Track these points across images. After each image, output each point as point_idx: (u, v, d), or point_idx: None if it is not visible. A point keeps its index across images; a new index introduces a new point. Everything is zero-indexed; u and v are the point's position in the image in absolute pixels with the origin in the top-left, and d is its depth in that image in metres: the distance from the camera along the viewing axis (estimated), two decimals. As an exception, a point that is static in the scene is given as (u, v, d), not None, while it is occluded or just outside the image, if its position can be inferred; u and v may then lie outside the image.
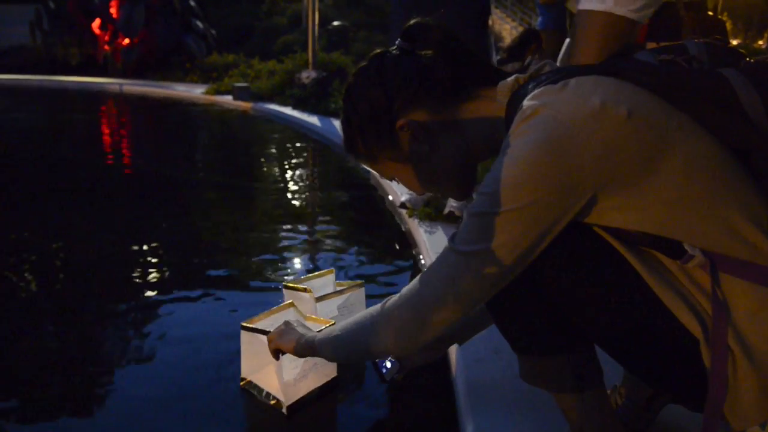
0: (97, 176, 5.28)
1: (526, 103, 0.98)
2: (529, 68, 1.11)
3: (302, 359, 1.88)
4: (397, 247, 3.43)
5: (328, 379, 2.05)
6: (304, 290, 2.20)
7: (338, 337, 1.30)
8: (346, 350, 1.30)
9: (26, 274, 3.06)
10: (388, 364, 1.77)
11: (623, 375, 1.50)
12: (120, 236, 3.59)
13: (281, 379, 1.88)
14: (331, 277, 2.37)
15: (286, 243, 3.55)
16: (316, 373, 2.01)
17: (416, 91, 1.15)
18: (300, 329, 1.56)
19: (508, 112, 1.09)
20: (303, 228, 3.87)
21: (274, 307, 2.05)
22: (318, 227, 3.95)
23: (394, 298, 1.15)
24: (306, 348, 1.47)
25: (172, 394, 2.03)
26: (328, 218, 4.18)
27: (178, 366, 2.22)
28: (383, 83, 1.17)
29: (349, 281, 2.33)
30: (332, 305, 2.24)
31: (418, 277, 1.11)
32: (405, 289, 1.13)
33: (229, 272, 3.12)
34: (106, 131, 8.11)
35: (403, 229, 3.64)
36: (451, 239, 1.04)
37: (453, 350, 2.05)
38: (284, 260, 3.24)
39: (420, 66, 1.16)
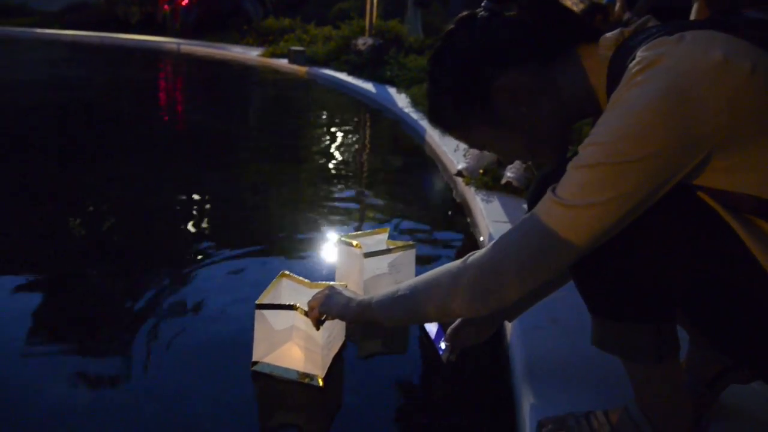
0: (154, 130, 5.33)
1: (641, 53, 0.93)
2: (630, 23, 1.05)
3: (328, 330, 1.76)
4: (450, 214, 3.36)
5: (341, 344, 1.95)
6: (354, 245, 2.15)
7: (405, 297, 1.23)
8: (412, 311, 1.22)
9: (85, 219, 3.08)
10: (443, 345, 1.66)
11: (687, 351, 1.41)
12: (175, 187, 3.61)
13: (316, 351, 1.75)
14: (384, 236, 2.29)
15: (336, 203, 3.45)
16: (336, 340, 1.90)
17: (511, 51, 1.11)
18: (347, 293, 1.48)
19: (612, 66, 1.04)
20: (353, 190, 3.75)
21: (273, 281, 1.90)
22: (368, 191, 3.81)
23: (480, 253, 1.08)
24: (359, 311, 1.39)
25: (209, 348, 1.94)
26: (379, 183, 4.05)
27: (218, 320, 2.15)
28: (476, 45, 1.13)
29: (401, 241, 2.28)
30: (382, 263, 2.16)
31: (511, 232, 1.05)
32: (496, 245, 1.07)
33: (278, 227, 3.09)
34: (163, 88, 8.22)
35: (457, 197, 3.54)
36: (553, 191, 0.99)
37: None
38: (333, 220, 3.14)
39: (512, 26, 1.12)
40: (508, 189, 3.13)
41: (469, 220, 3.15)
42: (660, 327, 1.10)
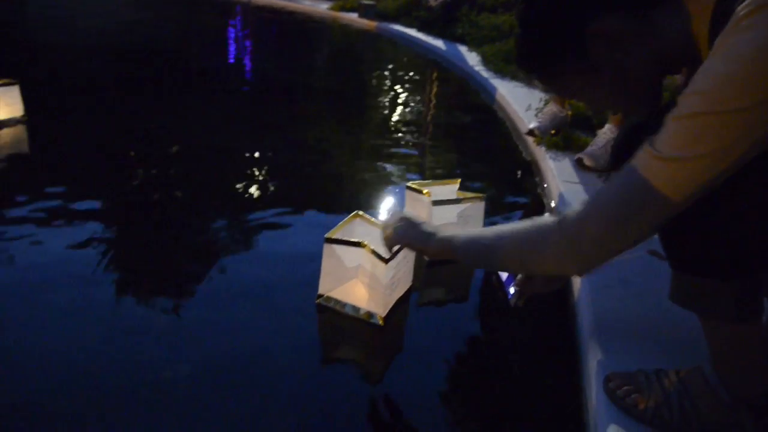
0: (222, 78, 5.39)
1: None
2: None
3: (393, 269, 1.77)
4: (518, 173, 3.28)
5: (408, 287, 1.96)
6: (423, 192, 2.15)
7: (489, 246, 1.21)
8: (494, 260, 1.21)
9: (156, 159, 3.18)
10: (512, 290, 1.65)
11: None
12: (244, 133, 3.67)
13: (379, 290, 1.77)
14: (455, 187, 2.27)
15: (402, 156, 3.45)
16: (401, 284, 1.90)
17: None
18: (425, 226, 1.43)
19: (717, 11, 0.97)
20: (419, 144, 3.71)
21: (345, 219, 1.93)
22: (434, 146, 3.77)
23: (574, 212, 1.05)
24: (439, 247, 1.36)
25: (263, 291, 1.97)
26: (446, 138, 4.00)
27: (286, 259, 2.20)
28: None
29: (472, 193, 2.25)
30: (450, 212, 2.15)
31: (605, 190, 1.01)
32: (590, 204, 1.03)
33: (345, 175, 3.12)
34: (233, 38, 8.31)
35: (526, 157, 3.46)
36: (651, 144, 0.94)
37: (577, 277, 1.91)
38: (398, 172, 3.14)
39: None
40: (580, 163, 3.02)
41: (537, 179, 3.07)
42: (743, 287, 1.07)
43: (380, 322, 1.79)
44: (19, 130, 3.36)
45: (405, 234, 1.44)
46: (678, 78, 1.35)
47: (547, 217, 1.12)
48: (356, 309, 1.84)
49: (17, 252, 2.09)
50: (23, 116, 3.43)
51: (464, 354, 1.75)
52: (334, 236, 1.80)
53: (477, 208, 2.19)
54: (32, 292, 1.87)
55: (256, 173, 3.05)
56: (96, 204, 2.59)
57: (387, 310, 1.81)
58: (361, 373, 1.66)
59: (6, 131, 3.31)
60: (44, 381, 1.50)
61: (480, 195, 2.18)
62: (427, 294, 2.05)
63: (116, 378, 1.53)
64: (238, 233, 2.43)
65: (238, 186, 2.87)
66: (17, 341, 1.64)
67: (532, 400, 1.58)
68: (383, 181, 3.00)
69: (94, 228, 2.31)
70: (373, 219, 1.93)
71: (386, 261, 1.69)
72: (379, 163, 3.28)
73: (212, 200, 2.70)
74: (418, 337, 1.81)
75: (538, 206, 2.77)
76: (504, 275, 1.59)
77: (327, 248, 1.81)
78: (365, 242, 1.76)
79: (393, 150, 3.53)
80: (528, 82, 4.72)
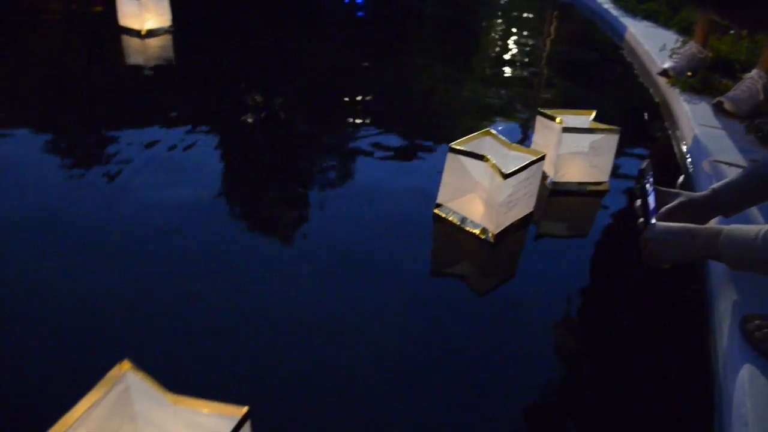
0: (331, 8, 5.45)
1: None
2: None
3: (512, 188, 1.76)
4: (647, 116, 3.17)
5: (528, 212, 1.96)
6: (554, 119, 2.13)
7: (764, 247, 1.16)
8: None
9: (285, 78, 3.37)
10: (653, 221, 1.63)
11: None
12: (350, 69, 3.64)
13: (494, 206, 1.79)
14: (589, 117, 2.21)
15: (525, 85, 3.43)
16: (521, 205, 1.90)
17: None
18: (675, 228, 1.36)
19: None
20: (542, 76, 3.64)
21: (474, 133, 1.94)
22: (558, 80, 3.67)
23: None
24: (703, 250, 1.31)
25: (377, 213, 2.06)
26: (571, 73, 3.85)
27: (408, 173, 2.31)
28: None
29: (606, 125, 2.16)
30: (581, 141, 2.10)
31: None
32: None
33: (468, 96, 3.15)
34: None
35: (657, 98, 3.31)
36: None
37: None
38: (522, 100, 3.16)
39: None
40: (719, 107, 2.85)
41: (667, 123, 2.95)
42: None
43: (491, 240, 1.83)
44: (167, 39, 3.62)
45: (668, 252, 1.36)
46: None
47: None
48: (470, 223, 1.89)
49: (155, 152, 2.32)
50: (170, 26, 3.67)
51: (579, 290, 1.74)
52: (459, 147, 1.84)
53: (610, 140, 2.12)
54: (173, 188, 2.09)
55: (381, 93, 3.14)
56: (232, 112, 2.80)
57: (500, 229, 1.84)
58: (469, 289, 1.71)
59: (155, 40, 3.58)
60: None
61: (614, 128, 2.11)
62: (546, 224, 2.06)
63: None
64: (366, 143, 2.55)
65: (358, 103, 2.99)
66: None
67: (655, 339, 1.57)
68: (509, 109, 3.01)
69: (229, 133, 2.52)
70: (502, 138, 1.94)
71: (505, 176, 1.71)
72: (503, 91, 3.27)
73: (339, 111, 2.85)
74: (532, 265, 1.82)
75: (668, 148, 2.69)
76: (651, 204, 1.58)
77: (450, 158, 1.85)
78: (488, 156, 1.79)
79: (515, 80, 3.50)
80: (662, 23, 4.43)
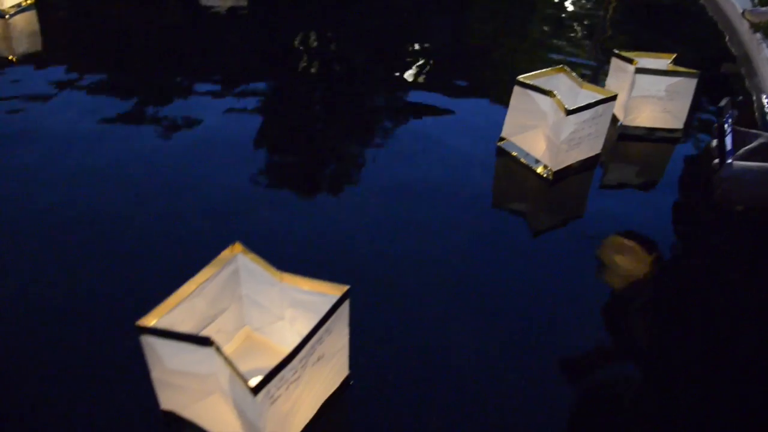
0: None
1: None
2: None
3: (575, 125, 1.72)
4: (721, 65, 3.06)
5: (594, 154, 1.92)
6: (630, 61, 2.07)
7: None
8: None
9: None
10: (730, 161, 1.52)
11: None
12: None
13: (555, 143, 1.76)
14: (668, 61, 2.14)
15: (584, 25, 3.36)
16: (586, 145, 1.86)
17: None
18: None
19: None
20: (606, 19, 3.53)
21: (547, 69, 1.91)
22: (628, 24, 3.56)
23: None
24: None
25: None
26: (639, 18, 3.68)
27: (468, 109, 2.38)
28: None
29: (685, 68, 2.06)
30: (657, 83, 2.03)
31: None
32: None
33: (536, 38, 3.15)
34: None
35: (734, 47, 3.19)
36: None
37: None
38: (585, 45, 3.10)
39: None
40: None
41: (743, 70, 2.83)
42: None
43: (550, 177, 1.81)
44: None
45: (744, 182, 1.31)
46: None
47: None
48: (531, 158, 1.89)
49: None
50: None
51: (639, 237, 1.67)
52: (526, 81, 1.82)
53: (687, 85, 2.03)
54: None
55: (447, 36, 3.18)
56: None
57: (560, 167, 1.81)
58: (527, 227, 1.71)
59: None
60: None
61: (693, 71, 2.02)
62: (613, 168, 2.02)
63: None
64: (433, 83, 2.58)
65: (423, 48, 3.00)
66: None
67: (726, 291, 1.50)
68: (579, 52, 2.97)
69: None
70: (575, 76, 1.91)
71: (568, 112, 1.68)
72: (571, 34, 3.24)
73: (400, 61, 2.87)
74: (594, 207, 1.79)
75: (744, 95, 2.61)
76: (729, 143, 1.56)
77: (516, 92, 1.83)
78: (554, 92, 1.76)
79: (583, 21, 3.43)
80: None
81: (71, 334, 1.22)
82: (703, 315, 1.42)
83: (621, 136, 2.14)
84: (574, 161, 1.88)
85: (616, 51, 2.15)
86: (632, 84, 2.04)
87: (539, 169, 1.87)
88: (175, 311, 0.94)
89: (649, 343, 1.35)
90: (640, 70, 2.01)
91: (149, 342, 0.91)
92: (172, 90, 2.46)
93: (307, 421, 1.00)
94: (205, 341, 0.88)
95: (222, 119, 2.18)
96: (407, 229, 1.61)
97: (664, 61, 2.15)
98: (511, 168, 1.91)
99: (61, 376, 1.12)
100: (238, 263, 1.04)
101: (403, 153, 2.02)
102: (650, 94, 2.07)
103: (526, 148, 1.92)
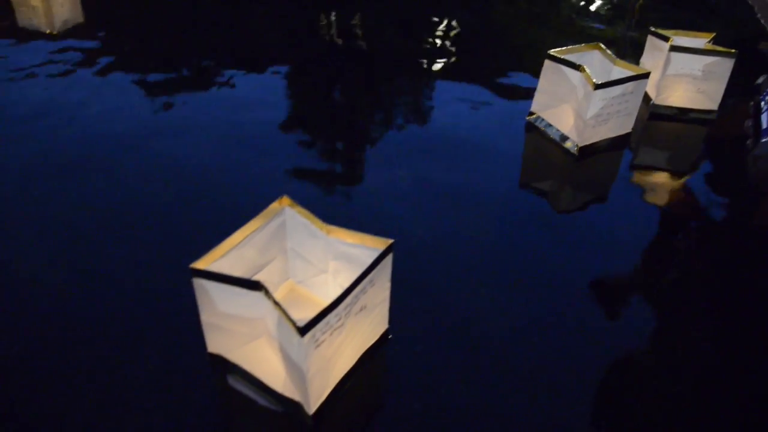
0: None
1: None
2: None
3: (603, 101, 1.70)
4: (761, 45, 2.98)
5: (624, 132, 1.90)
6: (666, 38, 2.04)
7: None
8: None
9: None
10: (764, 139, 1.54)
11: None
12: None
13: (582, 118, 1.76)
14: (705, 41, 2.11)
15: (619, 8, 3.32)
16: (615, 123, 1.84)
17: None
18: None
19: None
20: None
21: (581, 45, 1.91)
22: (663, 4, 3.49)
23: None
24: None
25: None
26: None
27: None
28: None
29: (722, 47, 2.02)
30: (692, 62, 2.00)
31: None
32: None
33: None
34: None
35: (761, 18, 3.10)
36: None
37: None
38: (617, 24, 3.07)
39: None
40: None
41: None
42: None
43: (576, 152, 1.80)
44: None
45: None
46: None
47: None
48: (558, 133, 1.89)
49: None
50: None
51: (663, 216, 1.67)
52: (557, 55, 1.82)
53: (723, 65, 1.99)
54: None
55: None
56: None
57: (586, 143, 1.81)
58: (553, 202, 1.70)
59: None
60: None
61: (730, 50, 1.97)
62: (643, 148, 2.01)
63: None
64: (466, 61, 2.61)
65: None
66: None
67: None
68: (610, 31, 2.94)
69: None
70: (610, 53, 1.89)
71: (596, 86, 1.67)
72: (602, 13, 3.20)
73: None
74: (620, 186, 1.78)
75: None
76: (765, 121, 1.54)
77: (547, 66, 1.84)
78: (584, 66, 1.75)
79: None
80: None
81: (127, 278, 1.30)
82: (741, 296, 1.41)
83: (652, 116, 2.13)
84: (602, 138, 1.87)
85: (653, 29, 2.12)
86: (666, 62, 2.02)
87: (567, 145, 1.87)
88: (225, 258, 0.98)
89: (682, 318, 1.34)
90: (674, 48, 1.99)
91: (201, 285, 0.95)
92: (212, 62, 2.52)
93: (347, 369, 1.04)
94: (255, 285, 0.92)
95: (259, 89, 2.25)
96: (442, 198, 1.63)
97: (701, 41, 2.11)
98: (540, 143, 1.93)
99: (113, 317, 1.20)
100: (286, 216, 1.08)
101: (435, 125, 2.06)
102: (685, 73, 2.05)
103: (554, 123, 1.93)
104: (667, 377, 1.15)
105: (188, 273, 0.96)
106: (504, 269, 1.41)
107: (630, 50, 2.69)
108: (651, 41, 2.13)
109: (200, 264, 0.96)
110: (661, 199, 1.76)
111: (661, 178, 1.88)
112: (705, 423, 1.08)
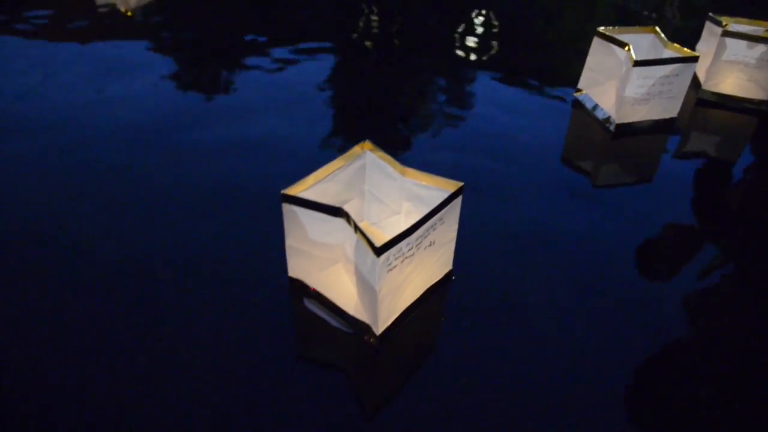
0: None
1: None
2: None
3: (643, 80, 1.72)
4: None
5: (668, 116, 1.90)
6: (720, 23, 2.05)
7: None
8: None
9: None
10: None
11: None
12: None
13: (621, 95, 1.79)
14: (762, 29, 2.09)
15: None
16: (658, 105, 1.85)
17: None
18: None
19: None
20: None
21: (634, 27, 1.93)
22: None
23: None
24: None
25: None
26: None
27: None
28: None
29: None
30: (746, 49, 1.99)
31: None
32: None
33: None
34: None
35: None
36: None
37: None
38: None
39: None
40: None
41: None
42: None
43: (612, 129, 1.83)
44: None
45: None
46: None
47: None
48: (599, 110, 1.94)
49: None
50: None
51: (703, 201, 1.65)
52: (605, 32, 1.87)
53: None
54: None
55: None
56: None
57: (624, 121, 1.82)
58: (589, 182, 1.71)
59: None
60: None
61: None
62: (687, 133, 1.99)
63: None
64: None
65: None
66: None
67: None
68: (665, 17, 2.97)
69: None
70: (665, 38, 1.91)
71: (636, 63, 1.69)
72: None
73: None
74: (666, 170, 1.77)
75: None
76: None
77: (595, 43, 1.89)
78: (629, 45, 1.78)
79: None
80: None
81: (216, 205, 1.47)
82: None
83: (699, 101, 2.14)
84: (642, 119, 1.89)
85: (711, 14, 2.14)
86: (718, 47, 2.03)
87: (605, 121, 1.92)
88: (311, 189, 1.08)
89: (721, 294, 1.34)
90: (727, 33, 1.99)
91: (290, 210, 1.05)
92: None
93: (413, 299, 1.13)
94: (338, 211, 1.02)
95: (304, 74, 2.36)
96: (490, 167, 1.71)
97: (761, 28, 2.12)
98: (583, 120, 1.98)
99: (198, 240, 1.35)
100: (366, 159, 1.18)
101: (480, 102, 2.15)
102: (737, 60, 2.05)
103: (598, 100, 1.98)
104: (709, 363, 1.15)
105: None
106: (546, 242, 1.42)
107: (690, 37, 2.70)
108: (708, 27, 2.14)
109: (290, 191, 1.06)
110: (704, 187, 1.75)
111: (706, 165, 1.88)
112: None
